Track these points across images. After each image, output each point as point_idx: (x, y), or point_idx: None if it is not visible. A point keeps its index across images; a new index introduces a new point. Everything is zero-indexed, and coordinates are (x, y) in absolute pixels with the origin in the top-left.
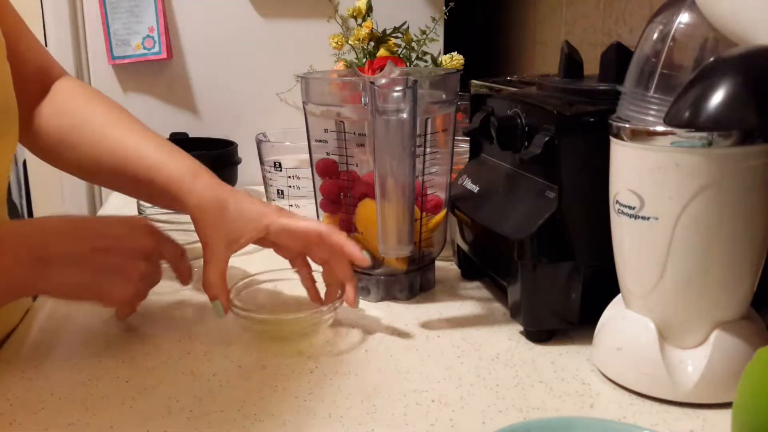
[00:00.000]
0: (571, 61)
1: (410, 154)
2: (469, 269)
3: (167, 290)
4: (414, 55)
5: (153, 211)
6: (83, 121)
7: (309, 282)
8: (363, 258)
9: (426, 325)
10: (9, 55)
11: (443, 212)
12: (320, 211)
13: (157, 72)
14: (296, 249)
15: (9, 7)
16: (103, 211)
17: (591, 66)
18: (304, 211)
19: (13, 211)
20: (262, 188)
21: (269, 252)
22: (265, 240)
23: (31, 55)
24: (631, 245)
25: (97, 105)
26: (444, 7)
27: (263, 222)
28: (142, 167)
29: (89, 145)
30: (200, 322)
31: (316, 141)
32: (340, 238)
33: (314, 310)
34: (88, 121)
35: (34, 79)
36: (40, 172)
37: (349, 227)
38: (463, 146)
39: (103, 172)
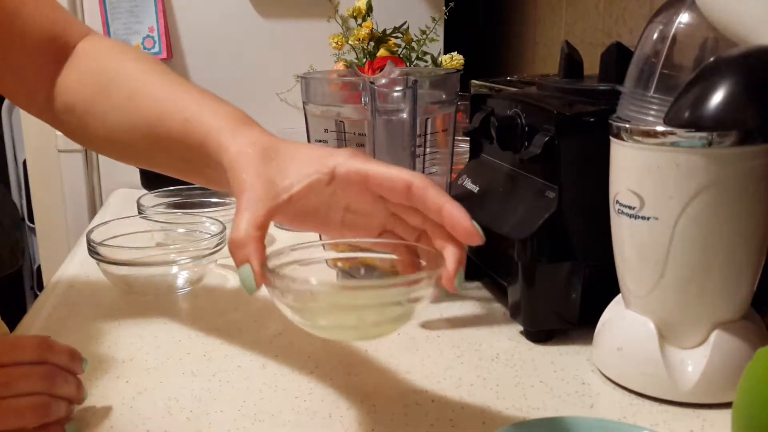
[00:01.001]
0: (571, 61)
1: (410, 154)
2: (469, 269)
3: (165, 290)
4: (414, 55)
5: (153, 211)
6: (111, 80)
7: (405, 264)
8: (474, 230)
9: (426, 325)
10: (6, 24)
11: None
12: None
13: None
14: (376, 217)
15: None
16: (103, 211)
17: (591, 66)
18: None
19: (13, 211)
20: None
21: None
22: (330, 214)
23: (35, 23)
24: (631, 245)
25: (126, 61)
26: (444, 7)
27: (328, 162)
28: (176, 122)
29: (119, 107)
30: (200, 322)
31: (316, 141)
32: (439, 196)
33: (406, 278)
34: (116, 80)
35: (44, 49)
36: (40, 172)
37: None
38: (463, 146)
39: (135, 139)
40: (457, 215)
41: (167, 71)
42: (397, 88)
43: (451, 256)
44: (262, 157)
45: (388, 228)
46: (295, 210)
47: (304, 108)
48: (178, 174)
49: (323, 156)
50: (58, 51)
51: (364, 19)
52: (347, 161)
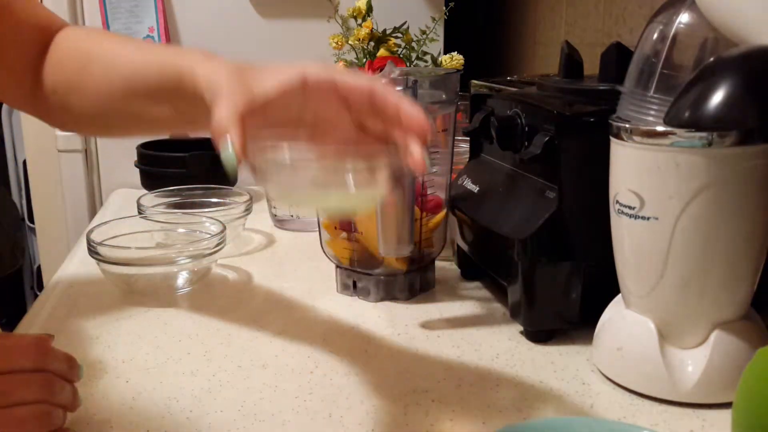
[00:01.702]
0: (571, 61)
1: None
2: (469, 269)
3: (166, 290)
4: (414, 55)
5: (153, 211)
6: (90, 57)
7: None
8: (426, 122)
9: (426, 325)
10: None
11: (443, 212)
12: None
13: None
14: (341, 128)
15: None
16: (103, 211)
17: (591, 66)
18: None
19: (13, 211)
20: (262, 188)
21: (272, 253)
22: (300, 126)
23: (25, 15)
24: (631, 245)
25: (104, 40)
26: (444, 7)
27: (298, 67)
28: (152, 71)
29: (99, 78)
30: (200, 322)
31: None
32: (398, 97)
33: (375, 149)
34: (95, 56)
35: (33, 40)
36: (40, 172)
37: (349, 227)
38: (463, 146)
39: (115, 104)
40: (412, 111)
41: (140, 41)
42: (397, 88)
43: (414, 143)
44: (237, 71)
45: (350, 144)
46: (268, 119)
47: None
48: (164, 127)
49: (295, 66)
50: (43, 43)
51: (364, 19)
52: (317, 68)
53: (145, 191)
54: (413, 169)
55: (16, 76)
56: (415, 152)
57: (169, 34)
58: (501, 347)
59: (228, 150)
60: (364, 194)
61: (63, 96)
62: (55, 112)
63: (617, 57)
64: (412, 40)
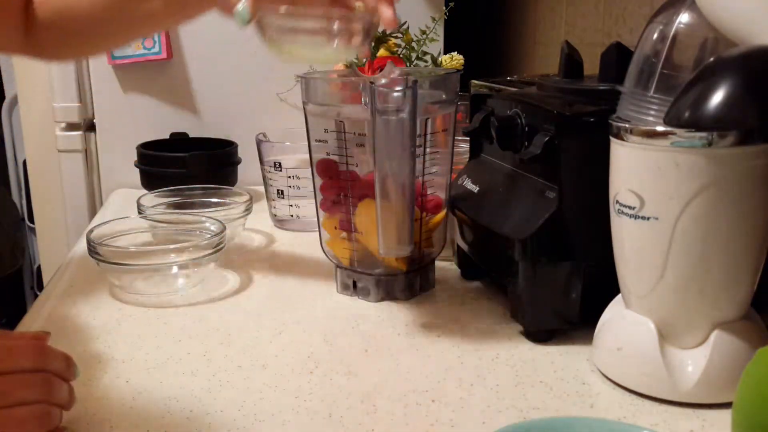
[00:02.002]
0: (571, 61)
1: (410, 154)
2: (469, 269)
3: (165, 290)
4: (414, 55)
5: (153, 211)
6: None
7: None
8: None
9: (426, 325)
10: None
11: (443, 212)
12: (320, 211)
13: (157, 72)
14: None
15: None
16: (103, 211)
17: (591, 66)
18: (304, 212)
19: (13, 211)
20: (262, 188)
21: (272, 253)
22: None
23: None
24: (631, 245)
25: None
26: (444, 7)
27: None
28: None
29: None
30: (200, 322)
31: (316, 141)
32: None
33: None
34: None
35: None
36: (40, 172)
37: (349, 227)
38: (463, 146)
39: (107, 14)
40: None
41: None
42: (397, 88)
43: (384, 5)
44: None
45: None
46: None
47: (304, 108)
48: (156, 23)
49: None
50: None
51: None
52: None
53: (145, 191)
54: (385, 25)
55: (12, 23)
56: (385, 12)
57: (169, 34)
58: (501, 347)
59: (240, 8)
60: (346, 48)
61: (53, 24)
62: (48, 43)
63: (617, 57)
64: (412, 40)
